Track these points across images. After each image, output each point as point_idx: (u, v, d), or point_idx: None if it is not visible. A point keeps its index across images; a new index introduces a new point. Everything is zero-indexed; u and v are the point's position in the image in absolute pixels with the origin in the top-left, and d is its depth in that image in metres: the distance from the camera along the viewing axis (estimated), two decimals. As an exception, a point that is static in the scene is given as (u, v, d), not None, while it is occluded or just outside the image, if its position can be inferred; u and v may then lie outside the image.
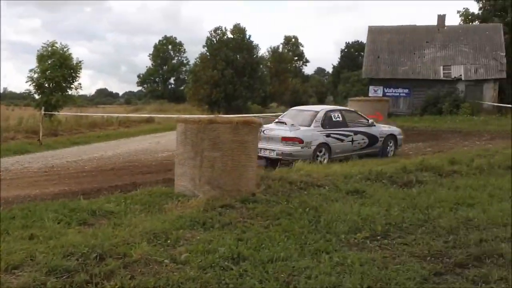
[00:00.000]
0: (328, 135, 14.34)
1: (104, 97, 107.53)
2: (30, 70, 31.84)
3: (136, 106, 65.79)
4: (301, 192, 8.72)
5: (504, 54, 37.51)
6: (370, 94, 38.38)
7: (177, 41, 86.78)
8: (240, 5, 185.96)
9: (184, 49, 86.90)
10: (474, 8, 49.81)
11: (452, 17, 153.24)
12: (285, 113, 16.52)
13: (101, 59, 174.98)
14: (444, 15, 41.50)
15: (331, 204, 7.93)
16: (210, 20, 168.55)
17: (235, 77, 46.46)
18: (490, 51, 38.11)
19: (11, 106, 51.95)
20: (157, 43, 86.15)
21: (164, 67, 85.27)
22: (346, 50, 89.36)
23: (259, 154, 12.55)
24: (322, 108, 15.70)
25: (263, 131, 13.73)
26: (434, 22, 41.98)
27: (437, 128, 25.72)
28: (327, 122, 14.59)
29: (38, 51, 31.96)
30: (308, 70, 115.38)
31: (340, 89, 75.38)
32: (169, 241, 5.84)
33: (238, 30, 50.04)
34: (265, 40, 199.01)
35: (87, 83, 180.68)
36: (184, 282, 4.71)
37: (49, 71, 31.14)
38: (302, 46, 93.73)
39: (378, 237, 6.29)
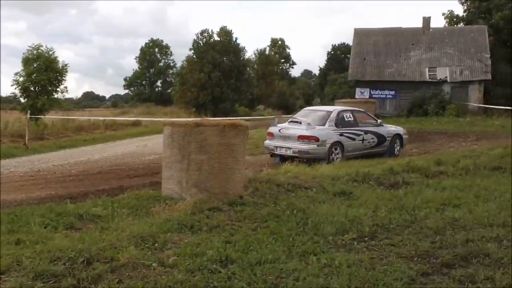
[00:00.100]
0: (341, 134, 15.10)
1: (90, 100, 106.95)
2: (16, 74, 31.54)
3: (123, 109, 65.51)
4: (289, 194, 8.73)
5: (489, 55, 37.84)
6: (356, 96, 38.57)
7: (164, 43, 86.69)
8: (226, 7, 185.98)
9: (171, 52, 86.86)
10: (459, 11, 50.35)
11: (437, 20, 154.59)
12: (298, 113, 17.10)
13: (87, 62, 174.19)
14: (429, 18, 41.88)
15: (319, 206, 7.95)
16: (197, 23, 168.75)
17: (222, 79, 46.43)
18: (475, 53, 38.43)
19: (-3, 110, 51.52)
20: (144, 46, 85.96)
21: (151, 70, 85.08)
22: (332, 52, 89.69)
23: (275, 152, 14.94)
24: (335, 109, 16.48)
25: (279, 130, 14.99)
26: (419, 24, 42.31)
27: (423, 129, 25.83)
28: (340, 121, 15.36)
29: (23, 54, 31.71)
30: (295, 72, 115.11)
31: (327, 91, 75.59)
32: (156, 245, 5.82)
33: (225, 33, 50.02)
34: (252, 42, 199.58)
35: (73, 86, 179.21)
36: (172, 285, 4.70)
37: (34, 75, 30.89)
38: (289, 49, 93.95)
39: (366, 238, 6.32)
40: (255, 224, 6.84)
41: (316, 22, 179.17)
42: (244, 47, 58.24)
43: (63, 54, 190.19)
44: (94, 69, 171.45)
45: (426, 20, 41.75)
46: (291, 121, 15.62)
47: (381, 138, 16.32)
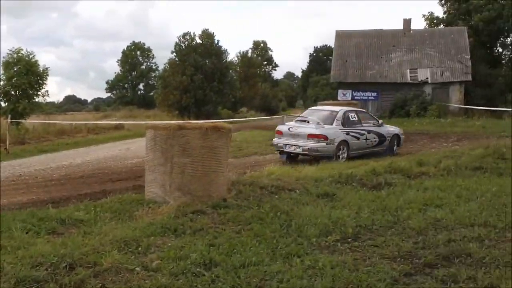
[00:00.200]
0: (347, 133, 15.72)
1: (72, 104, 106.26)
2: (-5, 78, 31.35)
3: (105, 112, 65.19)
4: (272, 197, 8.73)
5: (469, 57, 38.22)
6: (339, 98, 38.69)
7: (146, 46, 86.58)
8: (208, 10, 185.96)
9: (153, 55, 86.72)
10: (439, 12, 50.78)
11: (418, 21, 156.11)
12: (304, 112, 17.79)
13: (69, 65, 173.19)
14: (410, 19, 42.24)
15: (302, 207, 7.97)
16: (178, 25, 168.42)
17: (205, 82, 46.35)
18: (456, 54, 38.80)
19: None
20: (126, 49, 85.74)
21: (133, 73, 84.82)
22: (314, 54, 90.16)
23: (284, 150, 15.53)
24: (340, 109, 17.08)
25: (288, 128, 15.66)
26: (400, 26, 42.62)
27: (405, 130, 25.83)
28: (346, 121, 16.02)
29: (3, 58, 31.55)
30: (278, 74, 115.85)
31: (309, 93, 75.90)
32: (140, 249, 5.79)
33: (207, 35, 49.95)
34: (234, 45, 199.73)
35: (54, 90, 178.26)
36: (156, 289, 4.68)
37: (15, 78, 30.66)
38: (271, 51, 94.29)
39: (349, 240, 6.34)
40: (238, 226, 6.83)
41: (298, 24, 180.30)
42: (226, 49, 58.12)
43: (44, 58, 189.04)
44: (76, 73, 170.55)
45: (407, 22, 42.09)
46: (298, 120, 16.30)
47: (382, 137, 16.96)
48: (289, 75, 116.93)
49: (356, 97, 38.17)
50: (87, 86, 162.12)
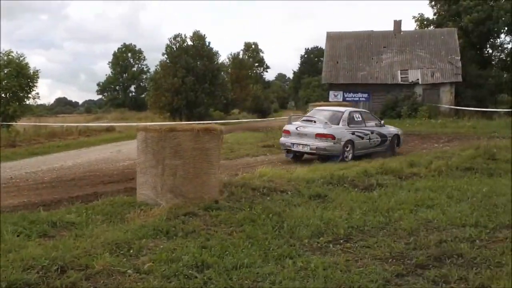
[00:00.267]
0: (353, 133, 16.19)
1: (63, 106, 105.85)
2: (-15, 80, 31.13)
3: (97, 114, 65.02)
4: (264, 198, 8.74)
5: (459, 58, 38.40)
6: (330, 99, 38.80)
7: (137, 48, 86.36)
8: (199, 12, 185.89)
9: (144, 57, 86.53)
10: (429, 14, 51.02)
11: (408, 23, 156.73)
12: (309, 112, 18.36)
13: (60, 67, 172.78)
14: (400, 21, 42.43)
15: (294, 209, 7.98)
16: (169, 27, 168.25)
17: (196, 84, 46.24)
18: (446, 55, 39.00)
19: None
20: (117, 51, 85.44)
21: (124, 75, 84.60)
22: (306, 56, 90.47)
23: (292, 149, 15.98)
24: (346, 109, 17.69)
25: (296, 128, 16.10)
26: (390, 27, 42.75)
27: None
28: (351, 121, 16.53)
29: (-7, 60, 31.33)
30: (269, 76, 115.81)
31: (301, 94, 76.04)
32: (131, 251, 5.78)
33: (198, 37, 49.83)
34: (225, 47, 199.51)
35: (45, 93, 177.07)
36: (148, 292, 4.68)
37: (5, 81, 30.47)
38: (262, 52, 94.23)
39: (341, 241, 6.35)
40: (230, 228, 6.83)
41: (289, 26, 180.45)
42: (218, 51, 58.19)
43: (35, 60, 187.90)
44: (67, 75, 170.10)
45: (397, 23, 42.26)
46: (304, 120, 16.79)
47: (383, 137, 17.46)
48: (281, 77, 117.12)
49: (347, 98, 38.27)
50: (78, 88, 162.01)
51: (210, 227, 6.89)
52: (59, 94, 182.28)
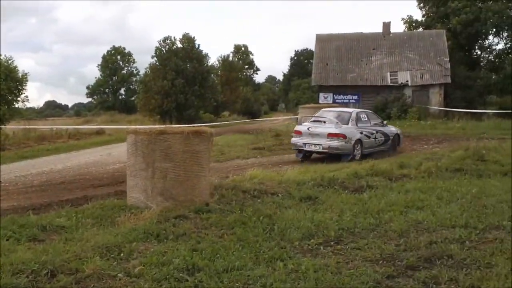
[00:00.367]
0: (361, 133, 16.84)
1: (53, 109, 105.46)
2: (-26, 83, 30.89)
3: (86, 117, 64.75)
4: (255, 201, 8.74)
5: (448, 59, 38.59)
6: (320, 101, 38.86)
7: (126, 51, 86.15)
8: (188, 14, 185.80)
9: (134, 59, 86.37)
10: (418, 15, 51.28)
11: (397, 25, 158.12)
12: (318, 113, 18.58)
13: (49, 70, 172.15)
14: (389, 23, 42.59)
15: (285, 211, 7.98)
16: (159, 29, 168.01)
17: (186, 86, 46.13)
18: (435, 57, 39.19)
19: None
20: (106, 54, 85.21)
21: (114, 77, 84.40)
22: (295, 58, 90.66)
23: (303, 149, 16.64)
24: (353, 110, 18.83)
25: (308, 128, 16.69)
26: (379, 29, 42.91)
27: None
28: (358, 121, 17.25)
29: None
30: (259, 78, 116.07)
31: (291, 96, 76.25)
32: (122, 255, 5.77)
33: (187, 40, 49.74)
34: (215, 49, 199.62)
35: (34, 96, 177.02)
36: (138, 295, 4.66)
37: (-7, 84, 30.26)
38: (252, 55, 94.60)
39: (331, 243, 6.36)
40: (221, 231, 6.83)
41: (279, 28, 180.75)
42: (207, 53, 58.12)
43: (23, 63, 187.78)
44: (56, 78, 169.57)
45: (386, 25, 42.42)
46: (313, 121, 17.31)
47: (386, 137, 18.22)
48: (271, 79, 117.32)
49: (337, 100, 38.35)
50: (68, 92, 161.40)
51: (201, 230, 6.88)
52: (49, 97, 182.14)
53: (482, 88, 41.84)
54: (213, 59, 73.21)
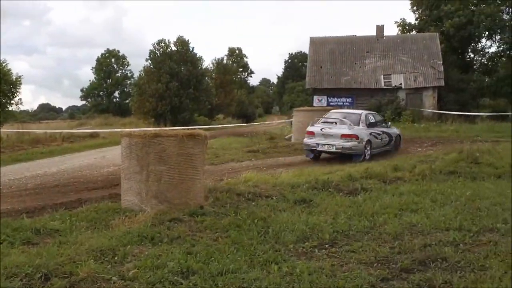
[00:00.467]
0: (370, 133, 17.52)
1: (47, 112, 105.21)
2: (-32, 86, 30.79)
3: (81, 120, 64.56)
4: (249, 203, 8.74)
5: (441, 62, 38.71)
6: (314, 104, 38.92)
7: (120, 54, 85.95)
8: (182, 17, 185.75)
9: (128, 62, 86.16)
10: (411, 19, 51.41)
11: (390, 28, 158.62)
12: (327, 114, 19.07)
13: (43, 73, 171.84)
14: (383, 26, 42.68)
15: (279, 214, 7.98)
16: (153, 32, 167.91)
17: (180, 89, 46.14)
18: (428, 60, 39.29)
19: None
20: (100, 56, 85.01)
21: (108, 80, 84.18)
22: (289, 60, 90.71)
23: (317, 149, 17.26)
24: (362, 111, 19.29)
25: (321, 129, 17.22)
26: (373, 32, 43.02)
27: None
28: (368, 122, 17.94)
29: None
30: (253, 81, 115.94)
31: (285, 99, 76.27)
32: (116, 258, 5.75)
33: (182, 43, 49.72)
34: (209, 52, 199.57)
35: (28, 99, 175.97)
36: (133, 299, 4.65)
37: (-13, 87, 30.18)
38: (246, 58, 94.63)
39: (326, 246, 6.37)
40: (216, 234, 6.82)
41: (273, 31, 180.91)
42: (202, 56, 58.24)
43: (17, 66, 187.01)
44: (50, 81, 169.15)
45: (380, 28, 42.51)
46: (324, 122, 17.79)
47: (390, 137, 19.08)
48: (265, 82, 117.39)
49: (331, 103, 38.37)
50: (62, 94, 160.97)
51: (195, 233, 6.88)
52: (43, 100, 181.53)
53: (475, 91, 41.96)
54: (207, 62, 73.01)
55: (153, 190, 8.06)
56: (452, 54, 43.36)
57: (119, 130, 16.23)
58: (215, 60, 68.67)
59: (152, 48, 50.13)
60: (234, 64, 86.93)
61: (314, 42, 42.91)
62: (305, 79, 43.79)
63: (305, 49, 50.52)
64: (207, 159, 11.27)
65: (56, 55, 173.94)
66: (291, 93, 74.18)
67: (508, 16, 44.34)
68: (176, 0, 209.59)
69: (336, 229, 7.01)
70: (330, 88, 39.74)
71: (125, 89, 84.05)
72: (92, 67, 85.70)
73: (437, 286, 4.98)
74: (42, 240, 6.62)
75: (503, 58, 46.05)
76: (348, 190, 10.17)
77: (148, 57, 49.83)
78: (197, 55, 50.84)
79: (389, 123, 20.47)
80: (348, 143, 16.74)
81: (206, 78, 54.79)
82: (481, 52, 47.15)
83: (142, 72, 50.80)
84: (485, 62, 47.18)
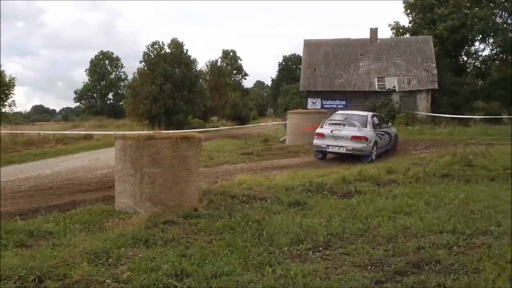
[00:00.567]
0: (376, 134, 18.11)
1: (40, 114, 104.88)
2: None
3: (74, 122, 64.38)
4: (244, 206, 8.74)
5: (435, 65, 38.82)
6: (308, 106, 38.97)
7: (114, 56, 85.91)
8: (176, 19, 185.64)
9: (122, 64, 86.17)
10: (405, 22, 51.50)
11: (384, 30, 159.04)
12: (333, 116, 19.78)
13: (36, 75, 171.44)
14: (376, 29, 42.75)
15: (274, 216, 7.99)
16: (147, 34, 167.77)
17: (174, 91, 46.00)
18: (422, 63, 39.41)
19: None
20: (94, 58, 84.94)
21: (102, 82, 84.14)
22: (284, 63, 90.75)
23: (327, 150, 17.90)
24: (367, 113, 19.97)
25: (331, 131, 17.74)
26: (367, 35, 43.09)
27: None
28: (374, 124, 18.58)
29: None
30: (248, 83, 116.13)
31: (279, 101, 76.33)
32: (110, 260, 5.74)
33: (176, 45, 49.61)
34: (203, 54, 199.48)
35: (22, 100, 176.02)
36: (127, 301, 4.64)
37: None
38: (241, 60, 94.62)
39: (320, 248, 6.37)
40: (210, 236, 6.82)
41: (267, 33, 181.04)
42: (196, 59, 58.15)
43: (11, 68, 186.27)
44: (44, 82, 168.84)
45: (374, 31, 42.59)
46: (331, 124, 18.43)
47: (390, 137, 19.82)
48: (259, 84, 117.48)
49: (325, 106, 38.42)
50: (55, 96, 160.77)
51: (190, 235, 6.87)
52: (36, 101, 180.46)
53: (468, 94, 42.09)
54: (201, 64, 73.20)
55: (147, 193, 8.05)
56: (446, 57, 43.49)
57: (112, 133, 16.20)
58: (209, 62, 68.58)
59: (146, 50, 50.01)
60: (228, 67, 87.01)
61: (308, 44, 42.97)
62: (299, 81, 43.80)
63: (299, 51, 50.71)
64: (201, 161, 11.28)
65: (50, 57, 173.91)
66: (285, 96, 74.24)
67: (501, 19, 44.56)
68: (170, 1, 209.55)
69: (330, 232, 7.02)
70: (324, 90, 39.79)
71: (119, 91, 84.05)
72: (86, 69, 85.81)
73: (431, 289, 5.00)
74: (36, 243, 6.61)
75: (496, 61, 46.25)
76: (342, 192, 10.18)
77: (142, 59, 49.68)
78: (191, 57, 50.72)
79: (389, 123, 21.24)
80: (358, 145, 17.27)
81: (200, 80, 54.70)
82: (474, 55, 47.38)
83: (136, 74, 50.63)
84: (479, 65, 47.36)
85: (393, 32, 47.86)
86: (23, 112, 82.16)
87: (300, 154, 20.08)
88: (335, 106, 38.77)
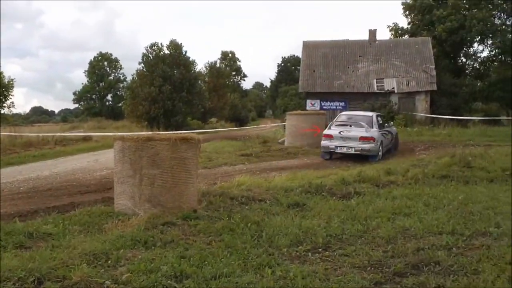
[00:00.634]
0: (381, 134, 18.49)
1: (39, 115, 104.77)
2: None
3: (73, 124, 64.35)
4: (243, 207, 8.74)
5: (434, 66, 38.86)
6: (307, 108, 38.98)
7: (113, 57, 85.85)
8: (175, 21, 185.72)
9: (121, 65, 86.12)
10: (403, 23, 51.50)
11: (383, 32, 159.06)
12: (338, 117, 20.05)
13: (35, 76, 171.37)
14: (375, 30, 42.75)
15: (273, 218, 7.98)
16: (146, 36, 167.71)
17: (173, 93, 46.01)
18: (420, 64, 39.44)
19: None
20: (93, 60, 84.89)
21: (101, 83, 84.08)
22: (282, 64, 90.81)
23: (335, 151, 18.28)
24: (372, 113, 20.34)
25: (339, 132, 18.07)
26: (365, 37, 43.14)
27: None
28: (379, 123, 18.93)
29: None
30: (246, 85, 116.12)
31: (278, 103, 76.35)
32: (109, 262, 5.74)
33: (175, 46, 49.62)
34: (202, 55, 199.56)
35: (21, 102, 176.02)
36: (126, 303, 4.64)
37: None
38: (239, 61, 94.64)
39: (319, 249, 6.37)
40: (209, 238, 6.82)
41: (266, 34, 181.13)
42: (195, 60, 58.19)
43: (10, 69, 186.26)
44: (43, 84, 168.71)
45: (372, 33, 42.61)
46: (338, 125, 18.81)
47: (392, 136, 20.30)
48: (258, 85, 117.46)
49: (324, 107, 38.48)
50: (54, 97, 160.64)
51: (189, 236, 6.87)
52: (35, 103, 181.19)
53: (467, 95, 42.12)
54: (200, 66, 72.95)
55: (146, 194, 8.05)
56: (445, 59, 43.53)
57: (111, 134, 16.19)
58: (208, 63, 68.60)
59: (145, 51, 50.04)
60: (227, 68, 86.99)
61: (307, 46, 43.00)
62: (298, 83, 43.83)
63: (298, 53, 50.62)
64: (200, 163, 11.26)
65: (49, 58, 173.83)
66: (284, 97, 74.25)
67: (500, 21, 44.60)
68: (169, 0, 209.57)
69: (330, 233, 7.02)
70: (323, 92, 39.81)
71: (118, 92, 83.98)
72: (85, 70, 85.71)
73: (430, 290, 5.00)
74: (35, 244, 6.60)
75: (495, 63, 46.27)
76: (341, 194, 10.17)
77: (141, 61, 49.71)
78: (190, 59, 50.75)
79: (391, 122, 21.72)
80: (366, 145, 17.66)
81: (199, 82, 54.69)
82: (473, 57, 47.36)
83: (135, 76, 50.65)
84: (477, 67, 47.37)
85: (392, 34, 47.89)
86: (22, 114, 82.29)
87: (299, 156, 20.07)
88: (334, 107, 38.83)
